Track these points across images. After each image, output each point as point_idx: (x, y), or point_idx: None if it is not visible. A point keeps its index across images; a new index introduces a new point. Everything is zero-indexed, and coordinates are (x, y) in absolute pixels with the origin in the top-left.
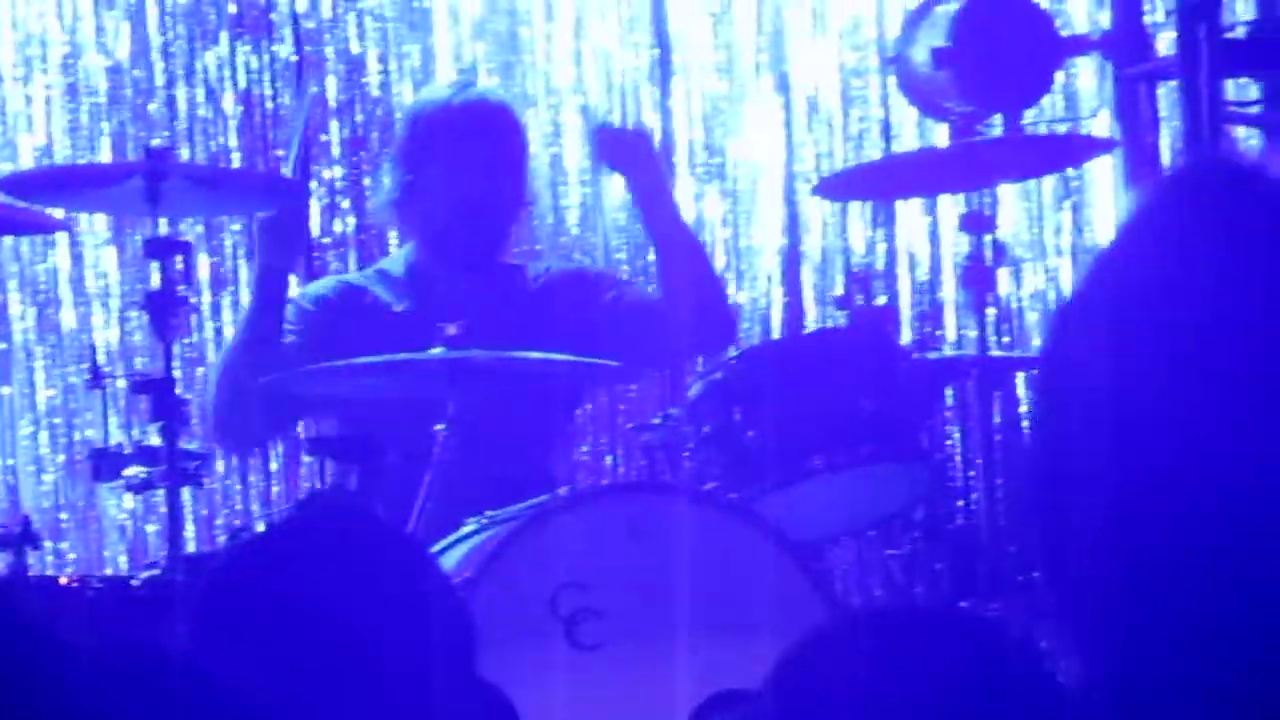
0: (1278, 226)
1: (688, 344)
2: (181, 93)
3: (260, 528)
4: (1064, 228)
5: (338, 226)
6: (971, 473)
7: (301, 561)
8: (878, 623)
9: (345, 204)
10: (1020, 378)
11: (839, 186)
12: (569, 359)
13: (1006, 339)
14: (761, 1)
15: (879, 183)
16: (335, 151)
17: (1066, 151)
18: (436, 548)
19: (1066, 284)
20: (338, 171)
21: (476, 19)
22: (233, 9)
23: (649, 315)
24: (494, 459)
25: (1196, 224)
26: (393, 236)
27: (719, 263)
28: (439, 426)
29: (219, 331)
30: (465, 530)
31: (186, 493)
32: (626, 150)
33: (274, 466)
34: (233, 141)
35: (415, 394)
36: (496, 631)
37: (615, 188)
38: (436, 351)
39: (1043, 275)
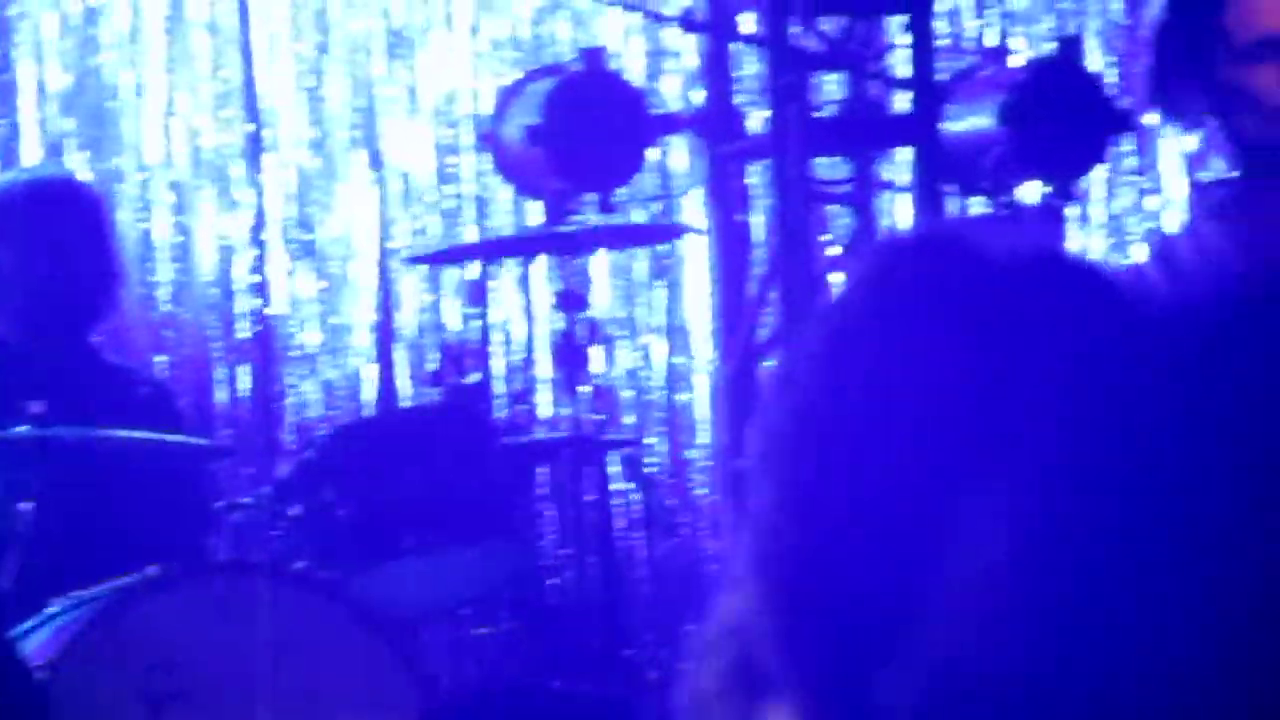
0: (997, 304)
1: None
2: None
3: None
4: (657, 305)
5: None
6: (564, 551)
7: None
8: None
9: None
10: (614, 456)
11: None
12: (154, 438)
13: (600, 416)
14: (354, 78)
15: (473, 258)
16: None
17: (653, 229)
18: (19, 631)
19: (659, 362)
20: None
21: (65, 93)
22: None
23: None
24: (88, 539)
25: (909, 298)
26: None
27: (314, 339)
28: (23, 505)
29: None
30: (50, 612)
31: None
32: None
33: None
34: None
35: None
36: (80, 716)
37: (206, 265)
38: (21, 429)
39: (636, 353)
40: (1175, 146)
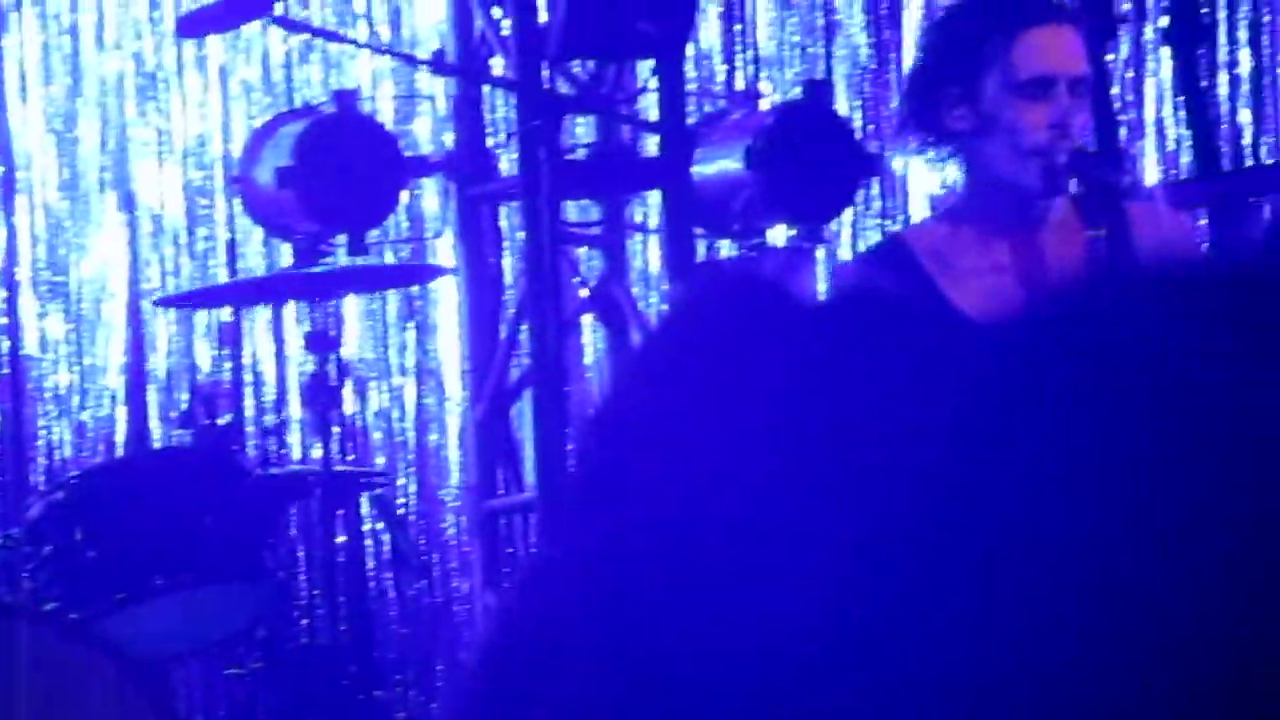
0: (793, 350)
1: None
2: None
3: None
4: (409, 346)
5: None
6: (315, 591)
7: None
8: None
9: None
10: (364, 496)
11: (183, 301)
12: None
13: (351, 456)
14: (105, 120)
15: (223, 300)
16: None
17: (404, 271)
18: None
19: (410, 402)
20: None
21: None
22: None
23: None
24: None
25: (718, 345)
26: None
27: (65, 380)
28: None
29: None
30: None
31: None
32: None
33: None
34: None
35: None
36: None
37: None
38: None
39: (387, 393)
40: (922, 188)
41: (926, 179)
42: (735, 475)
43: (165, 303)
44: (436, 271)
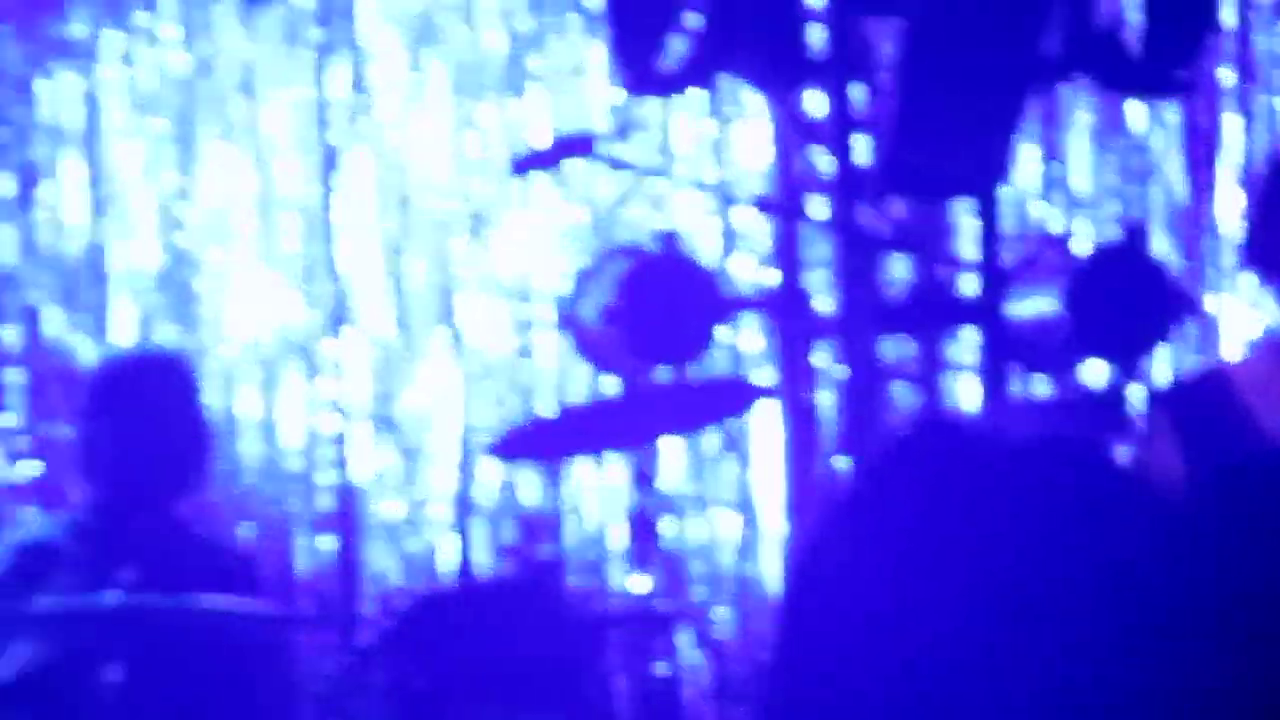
0: (996, 486)
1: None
2: None
3: None
4: (726, 479)
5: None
6: None
7: None
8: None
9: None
10: (682, 627)
11: (513, 444)
12: (238, 607)
13: (669, 588)
14: (434, 257)
15: (551, 439)
16: (13, 400)
17: (727, 401)
18: None
19: (729, 534)
20: (16, 421)
21: (156, 273)
22: None
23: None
24: (174, 706)
25: (918, 486)
26: None
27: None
28: (111, 669)
29: None
30: None
31: None
32: None
33: None
34: None
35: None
36: None
37: (290, 437)
38: (109, 596)
39: (706, 526)
40: (1235, 327)
41: (1241, 318)
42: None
43: (499, 450)
44: (756, 396)
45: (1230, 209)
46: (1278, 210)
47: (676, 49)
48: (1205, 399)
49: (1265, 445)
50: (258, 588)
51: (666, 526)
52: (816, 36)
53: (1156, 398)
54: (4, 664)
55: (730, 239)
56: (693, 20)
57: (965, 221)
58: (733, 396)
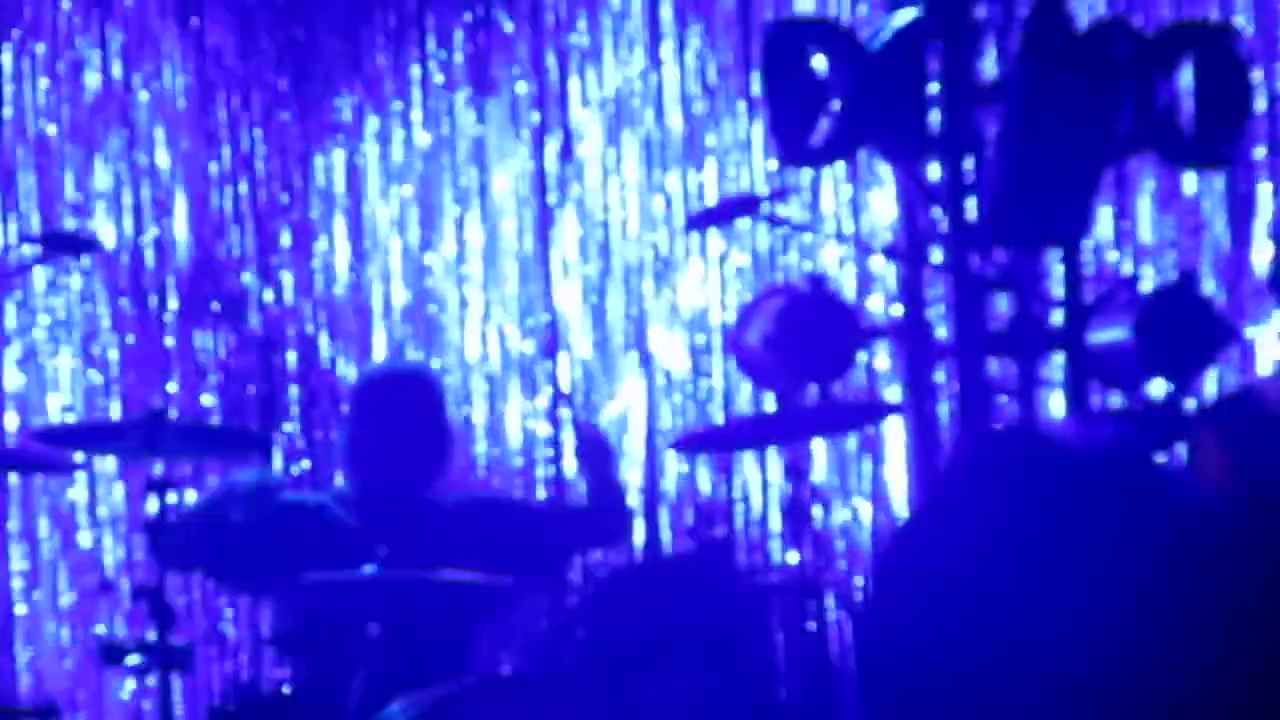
0: (1067, 491)
1: (582, 542)
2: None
3: None
4: (865, 474)
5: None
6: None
7: None
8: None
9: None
10: (829, 594)
11: (690, 442)
12: (467, 579)
13: (819, 563)
14: (629, 293)
15: (721, 437)
16: (294, 410)
17: (862, 415)
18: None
19: (866, 520)
20: (295, 428)
21: (406, 306)
22: (216, 306)
23: (541, 524)
24: (419, 653)
25: (994, 491)
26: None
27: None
28: (371, 626)
29: None
30: (393, 709)
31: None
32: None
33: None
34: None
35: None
36: None
37: (513, 440)
38: (369, 569)
39: (849, 512)
40: (1269, 351)
41: (1273, 343)
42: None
43: (680, 447)
44: (887, 409)
45: (1263, 257)
46: None
47: (823, 128)
48: (1245, 411)
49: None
50: (488, 556)
51: (816, 512)
52: (935, 118)
53: (1205, 409)
54: (289, 619)
55: (866, 281)
56: (836, 105)
57: (1054, 266)
58: (865, 413)
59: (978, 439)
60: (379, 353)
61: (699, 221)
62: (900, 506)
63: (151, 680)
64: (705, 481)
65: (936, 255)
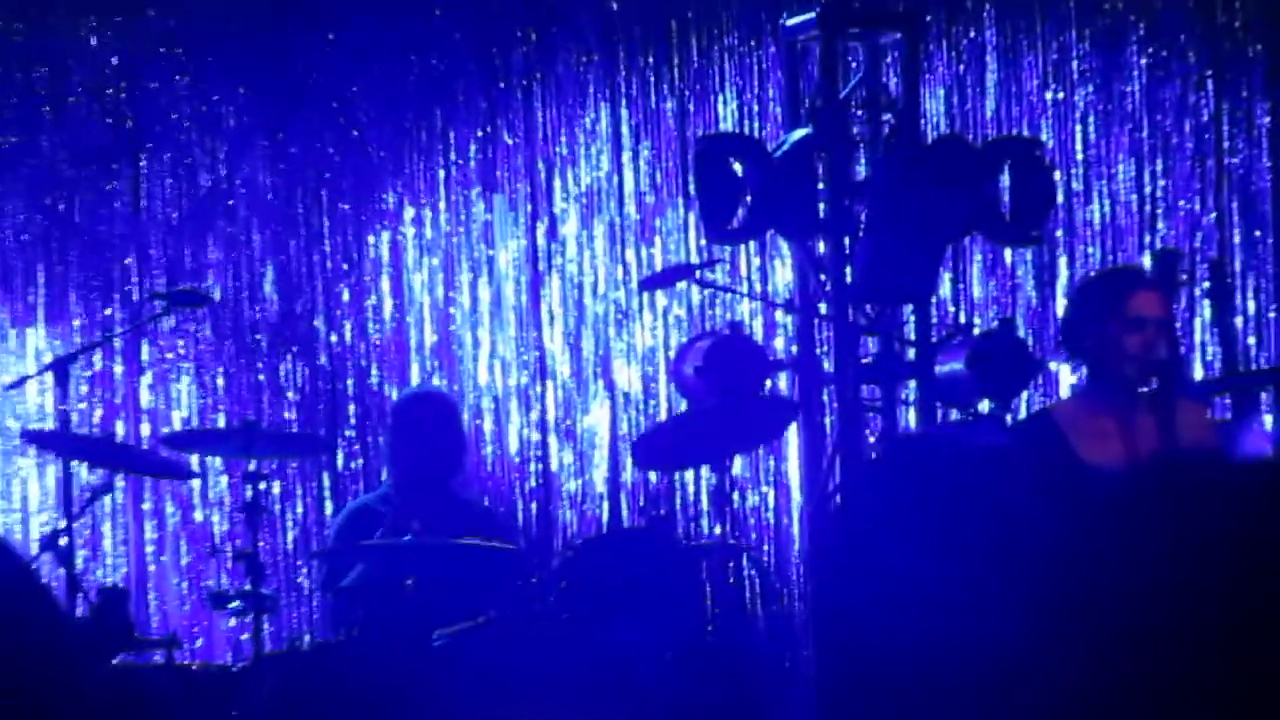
0: (971, 490)
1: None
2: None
3: None
4: (769, 468)
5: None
6: (716, 611)
7: None
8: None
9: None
10: (744, 556)
11: (644, 445)
12: (480, 544)
13: (736, 533)
14: (596, 338)
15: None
16: (352, 422)
17: (773, 415)
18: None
19: (770, 501)
20: (353, 434)
21: (434, 345)
22: (294, 346)
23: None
24: (444, 600)
25: (908, 483)
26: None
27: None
28: (409, 580)
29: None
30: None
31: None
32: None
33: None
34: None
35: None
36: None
37: (512, 445)
38: (407, 538)
39: (757, 496)
40: (1066, 380)
41: (1068, 375)
42: (926, 570)
43: (637, 457)
44: (789, 406)
45: (1060, 310)
46: (1079, 311)
47: (740, 215)
48: (1045, 421)
49: (1070, 459)
50: (497, 531)
51: (734, 497)
52: (822, 208)
53: (1019, 421)
54: (351, 578)
55: (772, 327)
56: (749, 198)
57: (909, 316)
58: (775, 411)
59: (891, 442)
60: (413, 379)
61: (649, 284)
62: (796, 492)
63: (248, 618)
64: (653, 476)
65: (823, 309)
